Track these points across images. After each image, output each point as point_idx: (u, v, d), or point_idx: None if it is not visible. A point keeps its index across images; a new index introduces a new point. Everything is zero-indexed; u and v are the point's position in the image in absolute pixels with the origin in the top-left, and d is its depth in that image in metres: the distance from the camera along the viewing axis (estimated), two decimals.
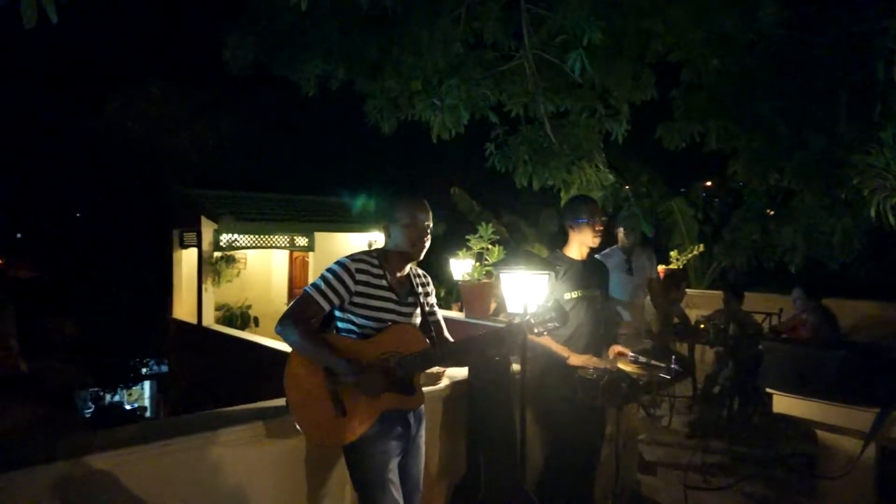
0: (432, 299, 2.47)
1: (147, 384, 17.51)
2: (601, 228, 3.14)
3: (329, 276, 2.18)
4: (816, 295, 5.08)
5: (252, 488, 2.34)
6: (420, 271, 2.46)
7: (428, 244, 2.30)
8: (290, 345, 2.14)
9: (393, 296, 2.26)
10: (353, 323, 2.21)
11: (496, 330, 2.33)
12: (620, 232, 4.77)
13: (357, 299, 2.19)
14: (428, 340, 2.31)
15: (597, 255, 4.29)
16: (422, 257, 2.32)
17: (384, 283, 2.25)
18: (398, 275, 2.32)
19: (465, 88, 3.99)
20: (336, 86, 4.46)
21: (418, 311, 2.36)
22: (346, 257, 2.25)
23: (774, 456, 4.23)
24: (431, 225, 2.30)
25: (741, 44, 4.08)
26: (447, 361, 2.29)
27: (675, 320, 5.92)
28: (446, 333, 2.46)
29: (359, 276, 2.19)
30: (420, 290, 2.39)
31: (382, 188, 11.93)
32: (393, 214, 2.27)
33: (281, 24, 4.20)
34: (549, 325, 2.30)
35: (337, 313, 2.24)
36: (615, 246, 4.79)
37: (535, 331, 2.33)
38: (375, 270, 2.24)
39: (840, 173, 3.58)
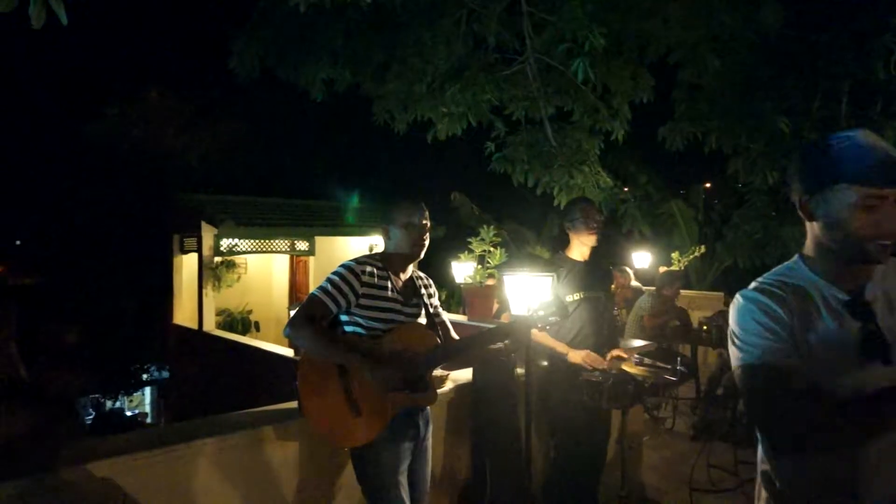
0: (436, 301, 2.48)
1: (148, 390, 17.48)
2: (596, 226, 3.13)
3: (336, 278, 2.18)
4: None
5: (256, 493, 2.32)
6: (422, 274, 2.48)
7: (427, 243, 2.32)
8: (301, 346, 2.14)
9: (399, 297, 2.26)
10: (359, 325, 2.21)
11: (500, 325, 2.34)
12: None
13: (363, 301, 2.19)
14: (436, 338, 2.31)
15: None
16: (422, 256, 2.34)
17: (389, 284, 2.26)
18: (402, 276, 2.33)
19: (470, 94, 4.00)
20: (342, 89, 4.48)
21: (423, 312, 2.37)
22: (352, 260, 2.25)
23: None
24: (429, 224, 2.33)
25: (742, 43, 4.07)
26: (455, 358, 2.29)
27: (676, 322, 5.90)
28: (453, 333, 2.46)
29: (365, 279, 2.20)
30: (423, 291, 2.40)
31: (382, 193, 11.95)
32: (391, 217, 2.30)
33: (287, 29, 4.21)
34: (551, 319, 2.29)
35: (342, 317, 2.23)
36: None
37: (538, 325, 2.32)
38: (381, 273, 2.25)
39: None
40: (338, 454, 2.45)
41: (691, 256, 7.24)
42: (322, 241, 10.14)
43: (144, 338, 14.17)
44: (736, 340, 1.32)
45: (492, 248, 5.71)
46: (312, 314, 2.12)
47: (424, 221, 2.30)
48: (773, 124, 4.05)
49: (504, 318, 5.56)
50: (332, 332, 2.19)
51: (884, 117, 3.70)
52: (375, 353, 2.14)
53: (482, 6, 3.85)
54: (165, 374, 14.15)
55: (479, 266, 5.79)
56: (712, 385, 5.74)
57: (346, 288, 2.16)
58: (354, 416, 2.10)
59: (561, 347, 3.00)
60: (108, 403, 16.21)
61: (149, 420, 16.39)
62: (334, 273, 2.20)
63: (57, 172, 16.53)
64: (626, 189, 10.93)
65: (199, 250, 9.11)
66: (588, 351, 2.98)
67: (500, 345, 2.37)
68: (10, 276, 18.03)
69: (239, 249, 9.26)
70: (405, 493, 2.16)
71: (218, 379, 8.63)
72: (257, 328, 10.18)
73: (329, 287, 2.16)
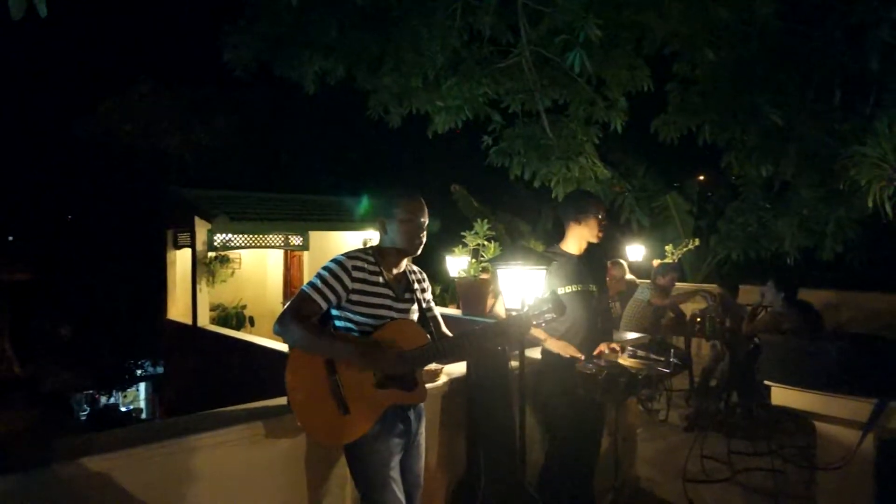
0: (429, 295, 2.47)
1: (142, 385, 17.46)
2: (605, 223, 3.15)
3: (326, 274, 2.16)
4: (790, 288, 5.03)
5: (251, 489, 2.32)
6: (416, 268, 2.46)
7: (424, 240, 2.30)
8: (291, 343, 2.11)
9: (390, 293, 2.25)
10: (350, 321, 2.20)
11: (496, 323, 2.33)
12: None
13: (354, 297, 2.18)
14: (427, 336, 2.31)
15: None
16: (419, 253, 2.32)
17: (381, 280, 2.24)
18: (394, 272, 2.31)
19: (466, 87, 3.99)
20: (335, 82, 4.47)
21: (415, 307, 2.35)
22: (342, 255, 2.24)
23: (772, 448, 4.24)
24: (427, 221, 2.31)
25: (737, 35, 4.07)
26: (448, 356, 2.29)
27: (670, 314, 5.93)
28: (444, 329, 2.45)
29: (355, 274, 2.18)
30: (416, 286, 2.39)
31: (379, 187, 11.90)
32: (390, 211, 2.27)
33: (281, 23, 4.19)
34: (547, 315, 2.30)
35: (334, 312, 2.22)
36: None
37: (534, 322, 2.33)
38: (372, 268, 2.23)
39: (835, 164, 3.57)
40: (336, 448, 2.45)
41: (685, 249, 7.26)
42: (316, 236, 10.12)
43: (138, 333, 14.14)
44: None
45: (486, 242, 5.70)
46: (301, 311, 2.11)
47: (423, 219, 2.27)
48: (767, 117, 4.05)
49: (498, 312, 5.57)
50: (322, 326, 2.18)
51: (877, 109, 3.69)
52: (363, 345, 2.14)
53: None
54: (160, 369, 14.14)
55: (474, 260, 5.78)
56: (706, 377, 5.78)
57: (335, 283, 2.14)
58: (342, 413, 2.09)
59: (573, 353, 3.02)
60: (103, 399, 16.22)
61: (143, 415, 16.39)
62: (324, 268, 2.18)
63: (50, 167, 16.42)
64: (623, 182, 10.95)
65: (192, 245, 9.07)
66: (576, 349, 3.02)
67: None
68: (3, 272, 17.93)
69: (233, 244, 9.24)
70: (398, 488, 2.17)
71: (212, 374, 8.62)
72: (252, 323, 10.17)
73: (318, 283, 2.14)
